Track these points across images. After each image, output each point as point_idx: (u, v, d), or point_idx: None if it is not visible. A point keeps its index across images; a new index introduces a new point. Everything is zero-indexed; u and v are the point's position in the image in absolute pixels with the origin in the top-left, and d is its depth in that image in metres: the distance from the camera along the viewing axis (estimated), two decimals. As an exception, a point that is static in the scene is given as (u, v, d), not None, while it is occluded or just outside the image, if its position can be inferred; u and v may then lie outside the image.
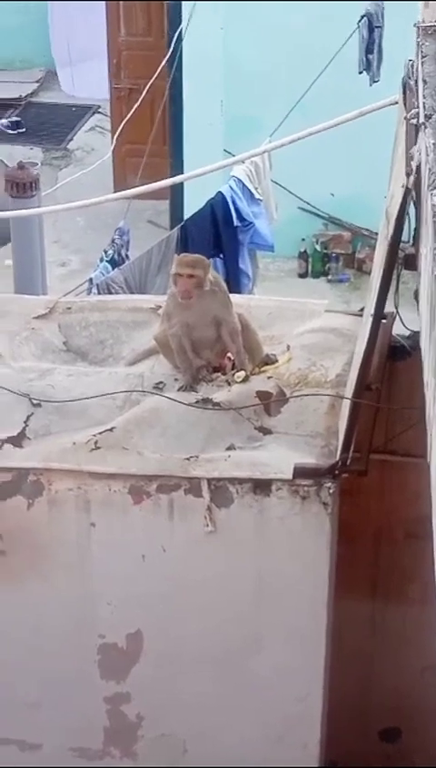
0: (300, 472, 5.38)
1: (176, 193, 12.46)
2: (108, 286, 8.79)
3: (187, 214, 10.73)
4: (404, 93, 4.97)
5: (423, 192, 4.16)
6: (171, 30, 11.47)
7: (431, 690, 6.22)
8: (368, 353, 5.25)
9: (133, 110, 10.55)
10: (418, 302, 4.58)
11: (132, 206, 9.53)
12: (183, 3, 11.45)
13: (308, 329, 6.19)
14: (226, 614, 5.62)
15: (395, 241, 4.76)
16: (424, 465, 3.75)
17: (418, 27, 5.03)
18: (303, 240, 13.05)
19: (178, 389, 5.79)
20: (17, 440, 5.66)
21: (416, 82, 4.74)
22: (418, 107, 4.50)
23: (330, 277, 13.12)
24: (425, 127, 4.22)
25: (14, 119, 15.95)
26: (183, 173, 10.29)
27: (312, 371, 5.89)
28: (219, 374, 5.89)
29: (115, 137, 11.80)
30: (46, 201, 9.35)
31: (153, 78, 10.37)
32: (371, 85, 10.38)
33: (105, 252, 9.48)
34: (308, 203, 12.99)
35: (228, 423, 5.64)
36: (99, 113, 16.16)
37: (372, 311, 5.17)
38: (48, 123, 16.11)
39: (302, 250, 13.08)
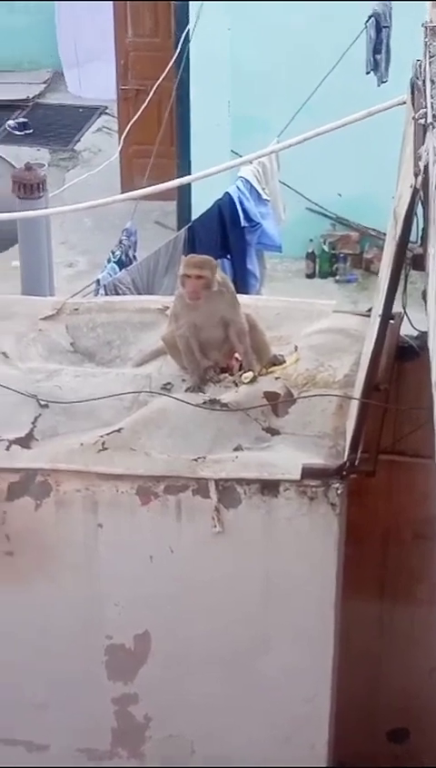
0: (308, 473, 5.38)
1: (184, 194, 12.47)
2: (115, 287, 8.80)
3: (195, 215, 10.75)
4: (412, 93, 4.97)
5: (431, 192, 4.16)
6: (178, 31, 11.48)
7: (439, 691, 6.22)
8: (376, 354, 5.25)
9: (140, 111, 10.56)
10: (426, 302, 4.58)
11: (139, 207, 9.54)
12: (190, 3, 11.47)
13: (316, 330, 6.19)
14: (234, 614, 5.62)
15: (403, 241, 4.76)
16: (432, 465, 3.75)
17: (426, 27, 5.03)
18: (311, 240, 13.05)
19: (186, 390, 5.79)
20: (25, 441, 5.66)
21: (424, 82, 4.74)
22: (426, 107, 4.50)
23: (337, 277, 13.12)
24: (433, 127, 4.22)
25: (22, 120, 15.97)
26: (190, 174, 10.30)
27: (320, 372, 5.89)
28: (226, 375, 5.89)
29: (123, 138, 11.81)
30: (54, 203, 9.37)
31: (161, 79, 10.39)
32: (379, 86, 10.39)
33: (113, 253, 9.49)
34: (316, 204, 12.99)
35: (236, 424, 5.63)
36: (106, 114, 16.17)
37: (380, 312, 5.16)
38: (55, 125, 16.13)
39: (310, 250, 13.08)
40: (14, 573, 5.68)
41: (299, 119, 9.20)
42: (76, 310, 6.44)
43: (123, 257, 9.45)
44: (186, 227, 9.84)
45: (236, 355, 5.89)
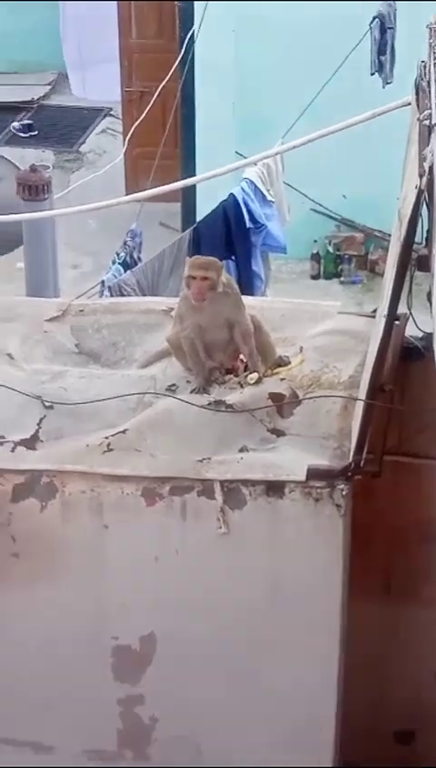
0: (313, 474, 5.37)
1: (188, 196, 12.48)
2: (120, 288, 8.81)
3: (199, 216, 10.76)
4: (417, 94, 4.97)
5: (436, 192, 4.16)
6: (182, 32, 11.49)
7: (445, 692, 6.22)
8: (381, 354, 5.25)
9: (145, 112, 10.57)
10: (431, 303, 4.58)
11: (144, 208, 9.54)
12: (194, 5, 11.47)
13: (321, 331, 6.19)
14: (240, 615, 5.62)
15: (408, 242, 4.76)
16: (438, 466, 3.75)
17: (430, 28, 5.03)
18: (316, 241, 13.06)
19: (191, 391, 5.79)
20: (30, 443, 5.66)
21: (428, 83, 4.74)
22: (430, 108, 4.50)
23: (342, 278, 13.13)
24: (438, 128, 4.22)
25: (27, 122, 16.00)
26: (195, 176, 10.32)
27: (325, 373, 5.89)
28: (231, 376, 5.89)
29: (127, 140, 11.83)
30: (58, 204, 9.37)
31: (165, 80, 10.39)
32: (383, 87, 10.39)
33: (117, 255, 9.51)
34: (320, 205, 13.00)
35: (241, 425, 5.63)
36: (110, 115, 16.19)
37: (385, 313, 5.16)
38: (60, 126, 16.15)
39: (315, 251, 13.09)
40: (19, 574, 5.68)
41: (303, 120, 9.22)
42: (81, 311, 6.44)
43: (128, 258, 9.47)
44: (191, 228, 9.85)
45: (241, 356, 5.89)
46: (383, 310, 5.26)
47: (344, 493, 5.35)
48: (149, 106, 10.55)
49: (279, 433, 5.64)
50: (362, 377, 5.68)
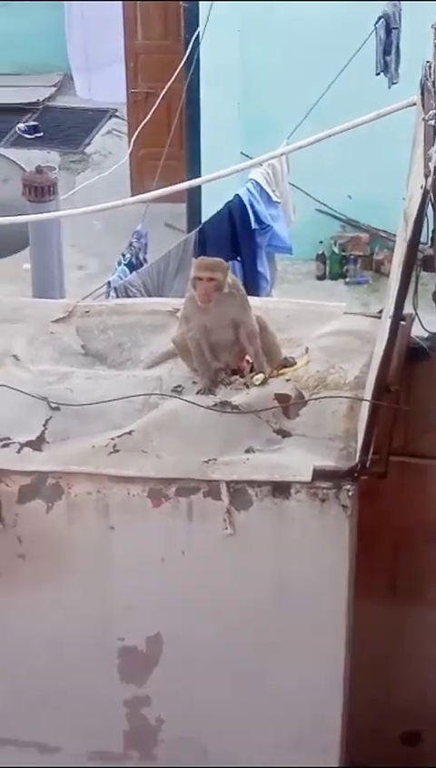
0: (319, 474, 5.37)
1: (194, 196, 12.48)
2: (126, 289, 8.82)
3: (205, 217, 10.77)
4: (422, 94, 4.98)
5: (442, 193, 4.16)
6: (188, 33, 11.49)
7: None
8: (387, 355, 5.24)
9: (150, 114, 10.57)
10: (436, 304, 4.58)
11: (149, 209, 9.55)
12: (199, 5, 11.48)
13: (326, 332, 6.18)
14: (246, 615, 5.62)
15: (414, 242, 4.76)
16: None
17: (435, 29, 5.03)
18: (321, 242, 13.06)
19: (196, 392, 5.79)
20: (36, 444, 5.67)
21: (433, 83, 4.74)
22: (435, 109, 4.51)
23: (348, 279, 13.13)
24: (443, 128, 4.22)
25: (32, 123, 16.01)
26: (200, 177, 10.31)
27: (331, 373, 5.89)
28: (237, 377, 5.89)
29: (133, 141, 11.83)
30: (64, 206, 9.38)
31: (171, 81, 10.39)
32: (389, 87, 10.40)
33: (123, 256, 9.52)
34: (326, 205, 12.99)
35: (246, 426, 5.63)
36: (116, 116, 16.20)
37: (391, 313, 5.16)
38: (65, 127, 16.15)
39: (320, 252, 13.09)
40: (25, 575, 5.69)
41: (309, 121, 9.22)
42: (87, 312, 6.44)
43: (134, 259, 9.48)
44: (196, 229, 9.86)
45: (247, 357, 5.89)
46: (389, 310, 5.26)
47: (350, 494, 5.35)
48: (154, 107, 10.56)
49: (285, 434, 5.64)
50: (368, 377, 5.67)
